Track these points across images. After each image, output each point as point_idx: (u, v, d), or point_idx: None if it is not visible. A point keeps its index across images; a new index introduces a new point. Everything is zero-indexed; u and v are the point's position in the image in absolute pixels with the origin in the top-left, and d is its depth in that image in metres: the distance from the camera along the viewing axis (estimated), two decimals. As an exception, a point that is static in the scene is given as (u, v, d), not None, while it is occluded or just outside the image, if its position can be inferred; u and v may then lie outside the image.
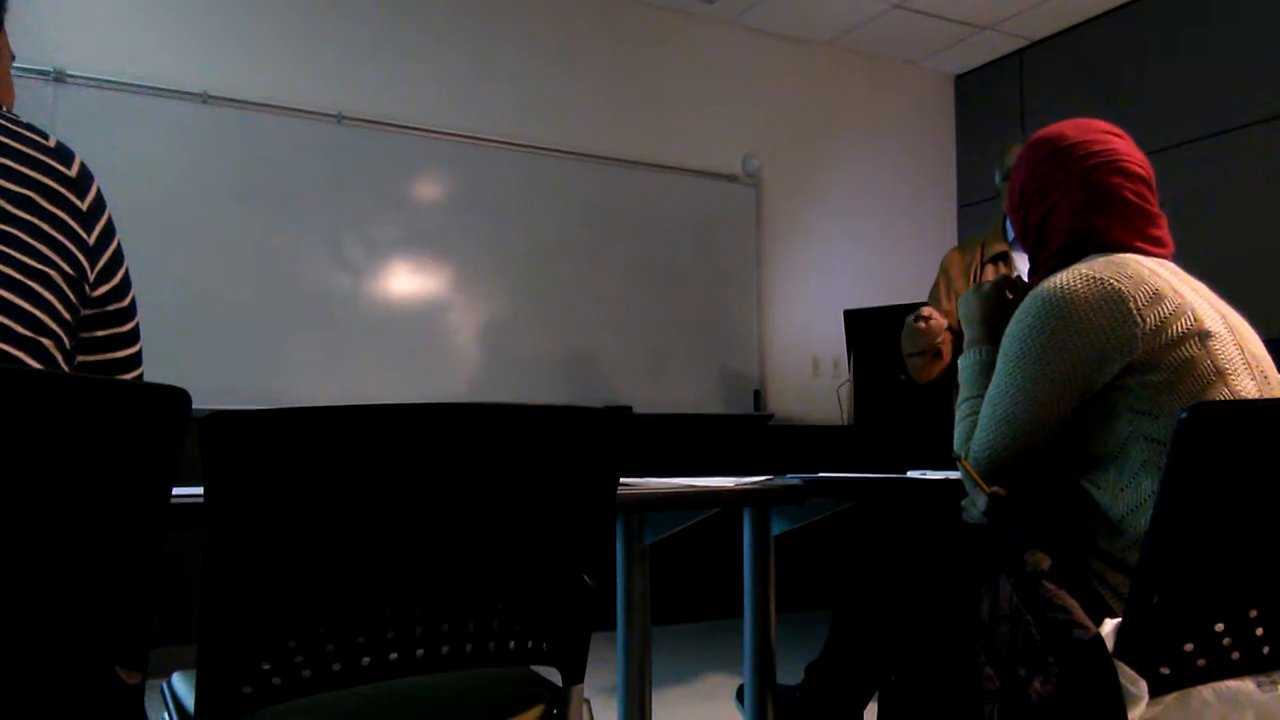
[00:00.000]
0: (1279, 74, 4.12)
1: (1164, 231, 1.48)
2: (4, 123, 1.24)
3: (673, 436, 4.56)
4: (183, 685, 1.22)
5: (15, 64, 1.42)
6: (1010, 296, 1.58)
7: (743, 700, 2.03)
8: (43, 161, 1.24)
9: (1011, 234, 2.74)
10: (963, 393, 1.56)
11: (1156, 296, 1.32)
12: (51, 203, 1.22)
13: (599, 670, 1.53)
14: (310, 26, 4.11)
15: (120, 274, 1.32)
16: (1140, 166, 1.47)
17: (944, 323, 2.68)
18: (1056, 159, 1.49)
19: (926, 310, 2.68)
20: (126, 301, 1.34)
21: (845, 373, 4.78)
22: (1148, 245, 1.45)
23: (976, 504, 1.44)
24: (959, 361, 1.62)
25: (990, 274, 2.78)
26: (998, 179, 2.89)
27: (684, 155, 4.85)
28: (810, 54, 5.25)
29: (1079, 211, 1.45)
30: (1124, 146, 1.49)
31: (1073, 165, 1.47)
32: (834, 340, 4.86)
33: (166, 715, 1.21)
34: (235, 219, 3.87)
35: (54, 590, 0.86)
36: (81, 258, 1.25)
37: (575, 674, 1.20)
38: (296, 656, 0.98)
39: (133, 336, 1.36)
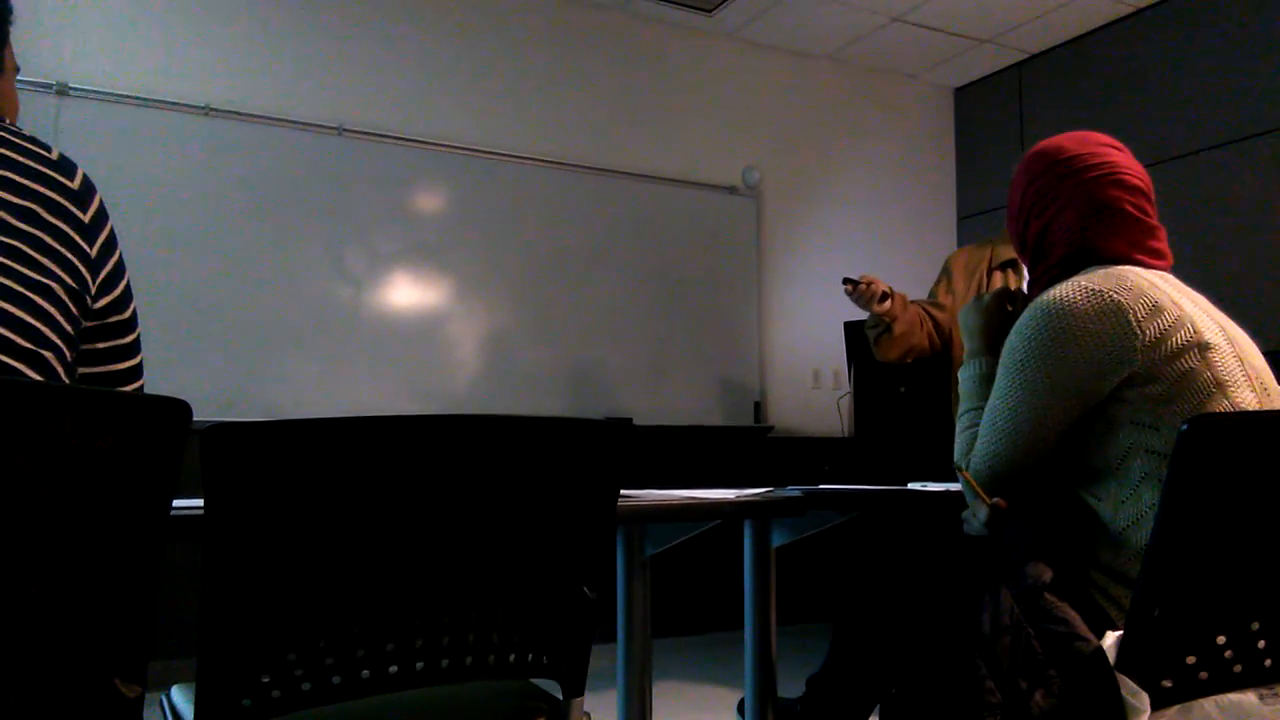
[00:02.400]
0: (1277, 87, 4.13)
1: (1163, 244, 1.49)
2: (6, 136, 1.24)
3: (673, 448, 4.56)
4: (182, 698, 1.21)
5: (18, 77, 1.42)
6: (1010, 309, 1.58)
7: (744, 713, 2.03)
8: (45, 174, 1.24)
9: None
10: (963, 404, 1.57)
11: (1156, 309, 1.32)
12: (54, 215, 1.23)
13: (599, 683, 1.52)
14: (311, 39, 4.12)
15: (121, 286, 1.32)
16: (1139, 179, 1.48)
17: (879, 288, 2.68)
18: (1056, 171, 1.49)
19: (860, 275, 2.69)
20: (128, 314, 1.34)
21: (846, 384, 4.78)
22: (1147, 258, 1.45)
23: (977, 515, 1.44)
24: (959, 373, 1.62)
25: (998, 280, 2.78)
26: None
27: (685, 167, 4.86)
28: (810, 67, 5.27)
29: (1078, 224, 1.46)
30: (1123, 159, 1.49)
31: (1072, 178, 1.47)
32: (834, 352, 4.87)
33: (165, 728, 1.20)
34: (237, 231, 3.87)
35: (54, 602, 0.86)
36: (83, 270, 1.25)
37: (575, 687, 1.20)
38: (296, 669, 0.98)
39: (134, 349, 1.36)
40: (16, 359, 1.15)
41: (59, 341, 1.20)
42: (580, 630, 1.18)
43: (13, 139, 1.24)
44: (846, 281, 2.70)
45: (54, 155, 1.27)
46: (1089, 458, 1.36)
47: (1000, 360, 1.43)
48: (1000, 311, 1.58)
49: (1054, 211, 1.48)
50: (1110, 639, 1.16)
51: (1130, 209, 1.45)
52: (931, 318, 2.80)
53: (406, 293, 4.21)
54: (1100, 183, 1.46)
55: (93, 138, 3.61)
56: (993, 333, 1.56)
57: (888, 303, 2.69)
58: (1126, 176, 1.46)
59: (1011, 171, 1.61)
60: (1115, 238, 1.44)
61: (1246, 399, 1.31)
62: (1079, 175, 1.47)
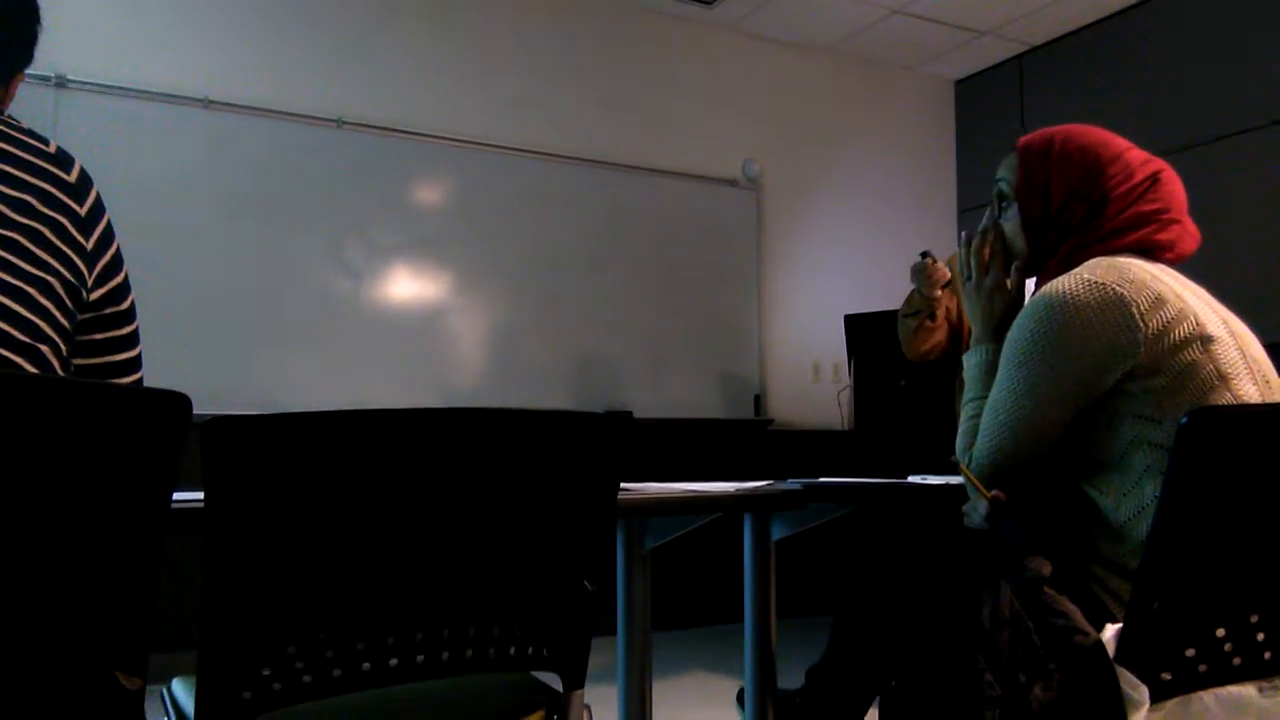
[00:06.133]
0: (1279, 79, 4.12)
1: None
2: (4, 129, 1.24)
3: (673, 441, 4.56)
4: (183, 691, 1.22)
5: (17, 69, 1.42)
6: (1009, 287, 1.58)
7: (743, 704, 2.03)
8: (42, 167, 1.24)
9: None
10: (967, 393, 1.56)
11: (1159, 301, 1.32)
12: (51, 208, 1.22)
13: (599, 675, 1.52)
14: (311, 31, 4.11)
15: (118, 278, 1.32)
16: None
17: (946, 274, 2.70)
18: (1117, 162, 1.47)
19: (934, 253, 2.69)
20: (125, 305, 1.34)
21: (846, 378, 4.78)
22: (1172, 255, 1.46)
23: (978, 509, 1.44)
24: (964, 359, 1.61)
25: None
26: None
27: (685, 160, 4.85)
28: (810, 59, 5.26)
29: (1146, 218, 1.45)
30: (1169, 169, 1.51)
31: (1137, 171, 1.47)
32: (834, 345, 4.87)
33: (166, 721, 1.21)
34: (236, 224, 3.87)
35: (55, 595, 0.86)
36: (80, 263, 1.25)
37: (576, 679, 1.20)
38: (297, 662, 0.98)
39: (132, 340, 1.36)
40: (13, 352, 1.15)
41: (55, 336, 1.20)
42: (581, 623, 1.18)
43: (10, 132, 1.24)
44: (925, 254, 2.70)
45: (51, 148, 1.27)
46: (1091, 450, 1.36)
47: (1002, 354, 1.43)
48: (1008, 297, 1.58)
49: (1107, 200, 1.46)
50: (1110, 632, 1.16)
51: (1178, 215, 1.47)
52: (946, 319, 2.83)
53: (406, 286, 4.21)
54: (1162, 180, 1.47)
55: (91, 130, 3.60)
56: (999, 319, 1.56)
57: (943, 292, 2.71)
58: (1175, 182, 1.49)
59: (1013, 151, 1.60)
60: (1173, 236, 1.45)
61: (1249, 391, 1.31)
62: (1139, 170, 1.47)
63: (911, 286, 2.93)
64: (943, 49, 5.21)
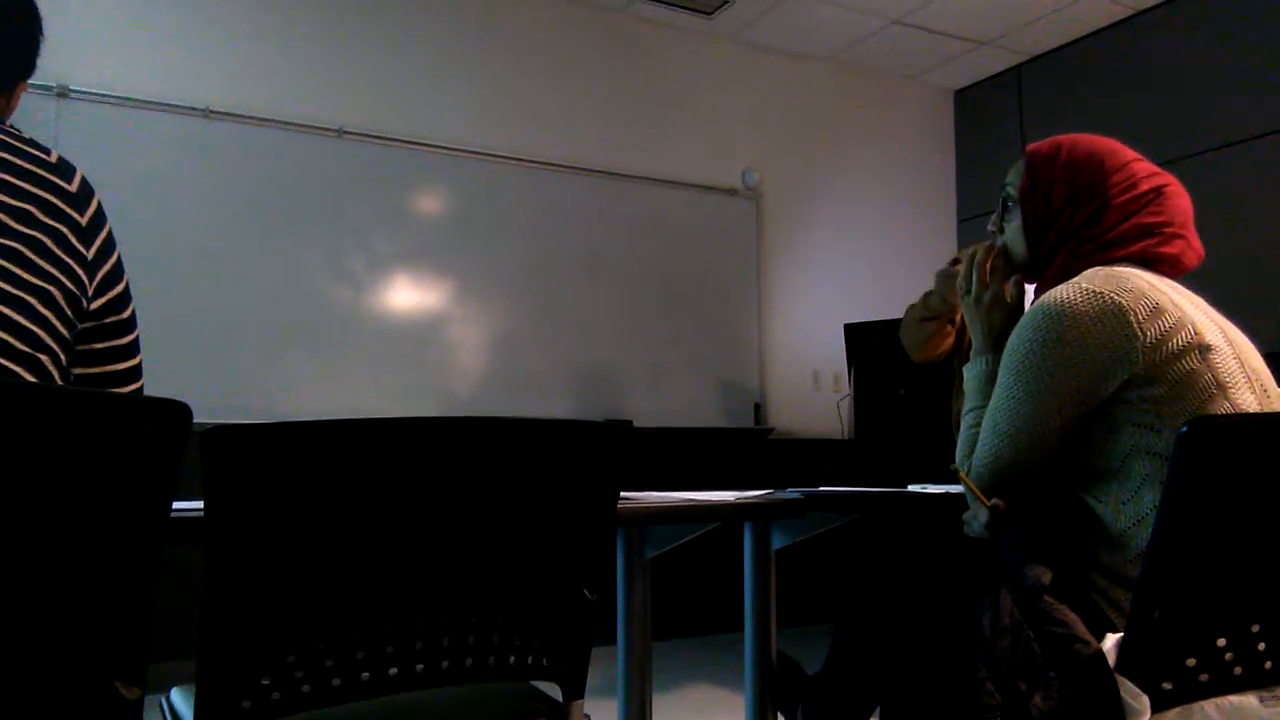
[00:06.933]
0: (1277, 89, 4.13)
1: None
2: (5, 138, 1.24)
3: (673, 450, 4.56)
4: (181, 700, 1.21)
5: (19, 79, 1.42)
6: (1009, 300, 1.58)
7: None
8: (43, 177, 1.24)
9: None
10: (968, 403, 1.56)
11: (1157, 310, 1.32)
12: (51, 218, 1.23)
13: (600, 685, 1.52)
14: (312, 41, 4.13)
15: (119, 288, 1.33)
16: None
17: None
18: (1122, 171, 1.48)
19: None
20: (126, 314, 1.34)
21: (846, 386, 4.78)
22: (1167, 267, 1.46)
23: (978, 518, 1.44)
24: (964, 371, 1.61)
25: None
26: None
27: (684, 169, 4.86)
28: (810, 69, 5.27)
29: (1148, 230, 1.45)
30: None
31: (1141, 183, 1.47)
32: (834, 354, 4.87)
33: (165, 730, 1.20)
34: (237, 233, 3.88)
35: (53, 605, 0.86)
36: (80, 273, 1.25)
37: (575, 689, 1.20)
38: (296, 671, 0.98)
39: (132, 349, 1.36)
40: (13, 362, 1.15)
41: (54, 345, 1.20)
42: (580, 632, 1.18)
43: (11, 141, 1.25)
44: (957, 261, 2.71)
45: (53, 158, 1.28)
46: (1090, 459, 1.36)
47: (1001, 362, 1.43)
48: (1007, 310, 1.58)
49: (1106, 206, 1.46)
50: (1110, 641, 1.16)
51: (1181, 229, 1.47)
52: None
53: (406, 295, 4.21)
54: (1167, 194, 1.48)
55: (93, 140, 3.61)
56: (999, 331, 1.56)
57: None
58: (1182, 195, 1.50)
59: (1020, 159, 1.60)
60: (1176, 247, 1.45)
61: (1247, 400, 1.32)
62: (1146, 181, 1.47)
63: (927, 288, 2.93)
64: (943, 59, 5.23)
